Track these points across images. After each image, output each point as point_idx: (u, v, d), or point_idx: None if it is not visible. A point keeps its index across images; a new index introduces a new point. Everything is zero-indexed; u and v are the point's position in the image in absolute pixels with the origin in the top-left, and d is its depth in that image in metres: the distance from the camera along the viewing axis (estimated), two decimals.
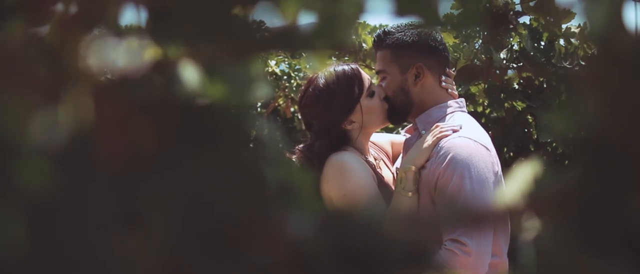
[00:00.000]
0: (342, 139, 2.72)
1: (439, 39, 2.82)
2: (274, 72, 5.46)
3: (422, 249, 0.51)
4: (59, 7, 0.61)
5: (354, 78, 2.73)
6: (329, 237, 0.50)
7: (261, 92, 0.73)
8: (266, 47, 0.75)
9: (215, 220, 0.49)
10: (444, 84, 2.81)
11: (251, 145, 0.59)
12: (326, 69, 2.77)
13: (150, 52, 0.61)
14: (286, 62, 5.44)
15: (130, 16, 0.72)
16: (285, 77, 5.47)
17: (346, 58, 5.14)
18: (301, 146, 2.78)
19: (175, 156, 0.50)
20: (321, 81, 2.72)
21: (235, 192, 0.51)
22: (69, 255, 0.46)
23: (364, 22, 5.20)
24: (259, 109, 5.82)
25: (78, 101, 0.48)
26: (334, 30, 0.78)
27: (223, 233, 0.49)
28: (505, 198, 0.67)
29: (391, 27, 2.80)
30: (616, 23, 0.60)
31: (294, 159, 2.74)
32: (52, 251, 0.46)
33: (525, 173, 0.68)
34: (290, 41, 0.74)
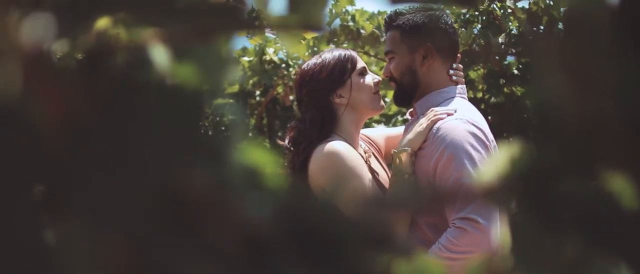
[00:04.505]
0: (330, 115, 2.74)
1: (449, 23, 2.81)
2: (272, 61, 5.42)
3: (384, 232, 0.49)
4: None
5: (349, 56, 2.80)
6: (287, 219, 0.48)
7: (231, 74, 0.71)
8: (235, 27, 0.72)
9: (167, 199, 0.47)
10: (451, 71, 2.81)
11: (217, 127, 0.57)
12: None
13: (101, 29, 0.59)
14: (284, 51, 5.41)
15: None
16: (283, 65, 5.44)
17: (345, 45, 5.12)
18: (294, 121, 2.83)
19: (125, 133, 0.48)
20: (319, 55, 2.81)
21: (189, 171, 0.49)
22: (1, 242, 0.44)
23: (362, 8, 5.17)
24: (257, 98, 5.79)
25: (11, 73, 0.46)
26: (307, 9, 0.76)
27: (175, 212, 0.47)
28: (483, 179, 0.65)
29: (402, 9, 2.81)
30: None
31: (287, 136, 2.79)
32: None
33: (504, 154, 0.66)
34: (260, 21, 0.71)
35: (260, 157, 0.58)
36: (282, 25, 0.71)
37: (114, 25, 0.60)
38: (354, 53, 2.83)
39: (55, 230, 0.45)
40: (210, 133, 0.51)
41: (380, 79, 2.86)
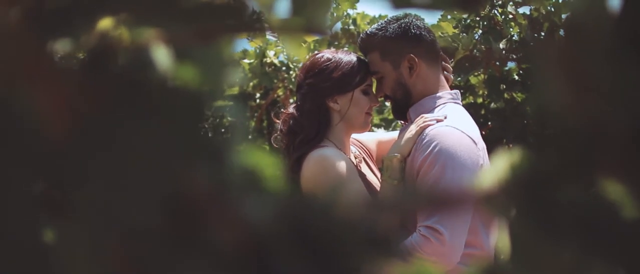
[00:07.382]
0: (325, 116, 2.73)
1: (421, 25, 2.80)
2: (273, 63, 5.42)
3: (384, 235, 0.49)
4: None
5: (363, 68, 2.76)
6: (287, 221, 0.48)
7: (232, 75, 0.71)
8: (237, 28, 0.72)
9: (168, 201, 0.47)
10: (445, 73, 2.82)
11: (217, 129, 0.57)
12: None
13: (105, 30, 0.59)
14: (285, 53, 5.41)
15: None
16: (284, 68, 5.44)
17: (346, 47, 5.12)
18: (292, 107, 2.80)
19: (126, 133, 0.48)
20: (337, 52, 2.78)
21: (192, 172, 0.49)
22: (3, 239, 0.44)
23: (363, 12, 5.18)
24: (258, 100, 5.79)
25: (14, 72, 0.46)
26: (309, 12, 0.76)
27: (177, 214, 0.48)
28: (480, 184, 0.65)
29: (371, 29, 2.80)
30: (597, 5, 0.58)
31: (280, 121, 2.78)
32: None
33: (503, 160, 0.66)
34: (262, 23, 0.72)
35: (260, 160, 0.58)
36: (285, 28, 0.71)
37: (116, 26, 0.60)
38: (367, 66, 2.79)
39: (55, 230, 0.45)
40: (211, 135, 0.51)
41: (378, 103, 2.86)
